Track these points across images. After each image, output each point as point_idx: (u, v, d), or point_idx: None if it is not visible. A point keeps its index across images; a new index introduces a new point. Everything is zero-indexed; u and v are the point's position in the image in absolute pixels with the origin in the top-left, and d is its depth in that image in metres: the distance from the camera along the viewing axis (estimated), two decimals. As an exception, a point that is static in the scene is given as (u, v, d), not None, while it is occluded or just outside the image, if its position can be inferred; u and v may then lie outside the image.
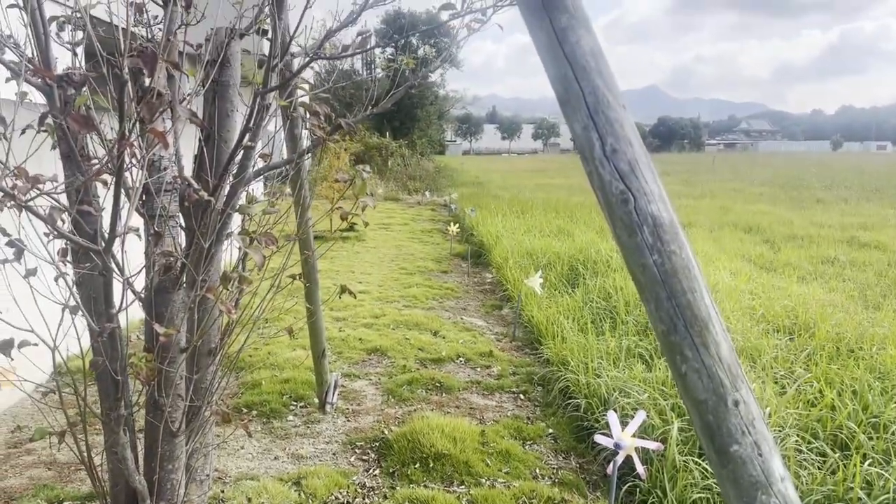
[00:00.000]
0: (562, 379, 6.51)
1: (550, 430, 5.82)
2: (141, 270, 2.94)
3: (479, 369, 7.41)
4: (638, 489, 4.64)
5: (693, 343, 1.26)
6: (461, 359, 7.66)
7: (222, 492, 4.35)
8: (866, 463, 4.34)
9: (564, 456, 5.42)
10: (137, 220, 2.76)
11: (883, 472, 4.22)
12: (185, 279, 2.90)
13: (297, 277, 3.07)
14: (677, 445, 4.61)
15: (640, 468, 4.36)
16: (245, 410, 5.91)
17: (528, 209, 18.82)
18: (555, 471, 5.13)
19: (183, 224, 2.98)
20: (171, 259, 2.88)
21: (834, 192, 30.48)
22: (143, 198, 2.85)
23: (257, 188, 3.18)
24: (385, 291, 10.87)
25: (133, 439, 2.99)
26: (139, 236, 2.58)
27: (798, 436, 4.77)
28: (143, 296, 2.82)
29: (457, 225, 13.81)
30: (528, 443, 5.57)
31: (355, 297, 3.61)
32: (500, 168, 49.67)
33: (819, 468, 4.43)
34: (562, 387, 6.44)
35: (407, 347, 7.89)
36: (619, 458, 4.21)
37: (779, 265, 12.93)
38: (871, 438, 4.75)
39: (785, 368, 6.22)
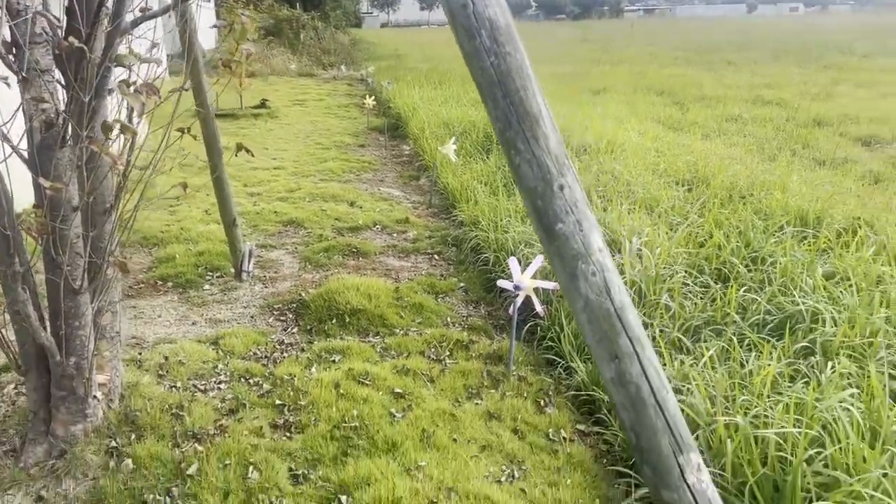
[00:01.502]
0: (473, 238, 6.76)
1: (462, 284, 6.10)
2: (23, 135, 2.87)
3: (395, 235, 7.58)
4: (538, 328, 4.99)
5: (525, 137, 1.38)
6: (378, 226, 7.80)
7: (140, 354, 4.46)
8: (742, 290, 4.77)
9: (475, 306, 5.73)
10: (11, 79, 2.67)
11: (757, 297, 4.66)
12: (69, 136, 2.86)
13: (186, 131, 3.05)
14: (575, 286, 4.93)
15: (538, 307, 4.68)
16: (160, 283, 5.94)
17: (446, 80, 18.57)
18: (465, 318, 5.43)
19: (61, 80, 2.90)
20: (52, 115, 2.82)
21: (745, 55, 31.12)
22: (14, 51, 2.74)
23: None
24: (301, 167, 10.76)
25: (35, 299, 3.02)
26: (8, 84, 2.51)
27: (686, 272, 5.16)
28: (25, 153, 2.78)
29: (373, 98, 13.57)
30: (441, 296, 5.84)
31: (252, 156, 3.61)
32: (418, 40, 48.31)
33: (702, 298, 4.85)
34: (473, 245, 6.70)
35: (323, 218, 7.95)
36: (519, 300, 4.50)
37: (686, 125, 13.37)
38: (749, 270, 5.19)
39: (681, 216, 6.60)
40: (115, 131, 2.61)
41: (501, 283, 4.58)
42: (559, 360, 4.59)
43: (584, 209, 1.37)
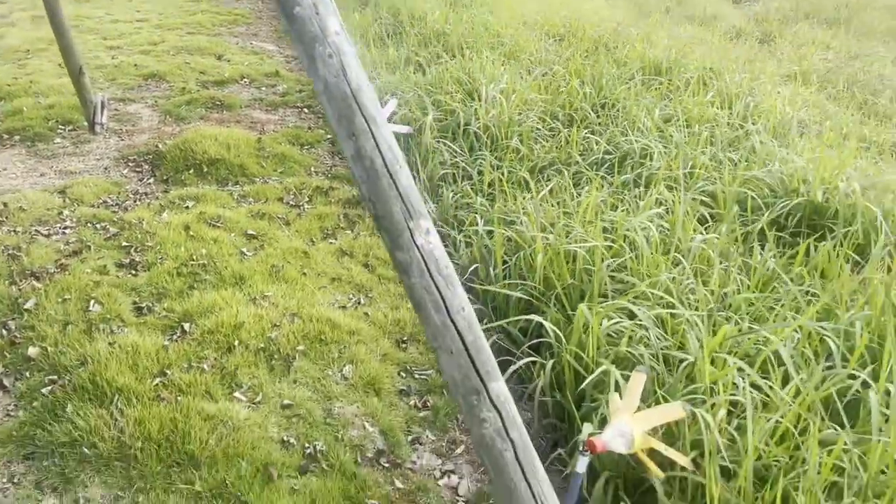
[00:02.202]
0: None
1: (329, 136, 6.10)
2: None
3: (264, 89, 7.39)
4: (398, 173, 5.11)
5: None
6: (245, 80, 7.56)
7: (-21, 204, 4.33)
8: (585, 132, 5.03)
9: (341, 156, 5.78)
10: None
11: (597, 139, 4.92)
12: None
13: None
14: (431, 132, 5.05)
15: (392, 150, 4.78)
16: (5, 136, 5.64)
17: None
18: (329, 168, 5.49)
19: None
20: None
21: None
22: None
23: None
24: (166, 19, 10.12)
25: None
26: None
27: (540, 118, 5.36)
28: None
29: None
30: (307, 147, 5.84)
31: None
32: None
33: (549, 141, 5.07)
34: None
35: (187, 72, 7.62)
36: (373, 142, 4.58)
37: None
38: (598, 115, 5.44)
39: (545, 66, 6.73)
40: None
41: (355, 126, 4.62)
42: (413, 201, 4.77)
43: (321, -4, 1.44)
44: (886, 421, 2.37)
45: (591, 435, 2.11)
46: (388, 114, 4.61)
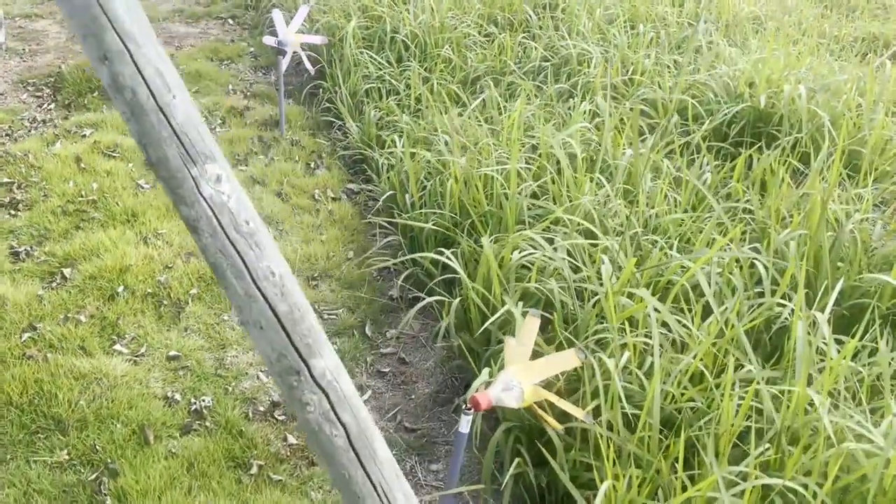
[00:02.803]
0: (267, -2, 6.15)
1: (252, 49, 5.64)
2: None
3: (187, -1, 6.81)
4: (321, 88, 4.72)
5: None
6: (167, -11, 6.96)
7: None
8: (522, 36, 4.63)
9: (264, 72, 5.34)
10: None
11: (534, 44, 4.53)
12: None
13: None
14: (355, 41, 4.63)
15: (307, 65, 4.38)
16: None
17: None
18: (249, 85, 5.07)
19: None
20: None
21: None
22: None
23: None
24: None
25: None
26: None
27: (475, 22, 4.93)
28: None
29: None
30: (226, 63, 5.39)
31: None
32: None
33: (484, 48, 4.67)
34: (266, 6, 6.12)
35: (103, -19, 6.98)
36: (286, 58, 4.18)
37: None
38: (539, 18, 5.01)
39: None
40: None
41: (266, 39, 4.20)
42: (337, 121, 4.40)
43: None
44: (819, 354, 2.17)
45: (476, 390, 1.89)
46: (299, 22, 4.18)
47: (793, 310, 2.30)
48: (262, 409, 2.54)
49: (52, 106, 4.61)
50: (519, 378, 1.86)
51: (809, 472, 1.81)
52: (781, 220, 2.96)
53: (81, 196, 3.45)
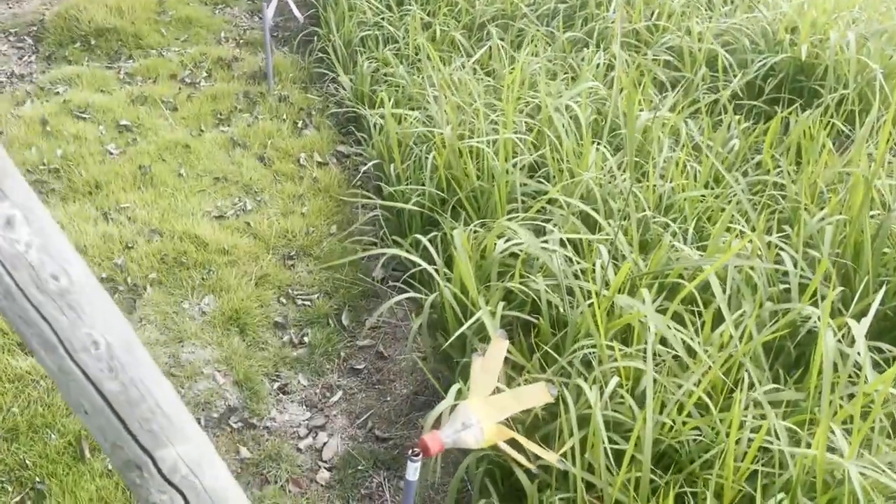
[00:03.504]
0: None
1: (250, -9, 5.24)
2: None
3: (187, -65, 6.38)
4: (317, 36, 4.33)
5: None
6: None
7: None
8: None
9: (259, 16, 4.95)
10: None
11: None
12: None
13: None
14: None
15: (295, 11, 3.99)
16: None
17: None
18: (243, 32, 4.70)
19: None
20: None
21: None
22: None
23: None
24: None
25: None
26: None
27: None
28: None
29: None
30: (220, 7, 5.01)
31: None
32: None
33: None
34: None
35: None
36: (272, 7, 3.79)
37: None
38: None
39: None
40: None
41: (250, -16, 3.81)
42: (330, 73, 4.02)
43: None
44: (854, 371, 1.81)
45: (426, 433, 1.58)
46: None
47: (819, 318, 1.92)
48: (215, 415, 2.28)
49: (33, 58, 4.32)
50: (479, 414, 1.55)
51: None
52: (819, 196, 2.54)
53: (43, 164, 3.18)
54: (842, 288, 2.15)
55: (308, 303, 2.73)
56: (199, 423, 2.20)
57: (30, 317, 0.92)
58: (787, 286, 2.15)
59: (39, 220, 0.93)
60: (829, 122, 2.86)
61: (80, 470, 2.04)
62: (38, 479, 2.01)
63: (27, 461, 2.05)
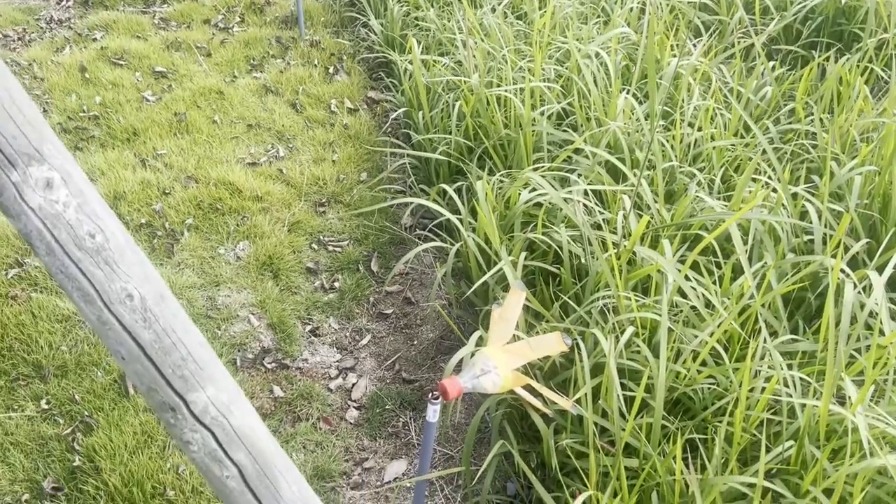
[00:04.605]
0: None
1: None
2: None
3: None
4: (347, -20, 4.31)
5: None
6: None
7: None
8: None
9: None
10: None
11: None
12: None
13: None
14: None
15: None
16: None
17: None
18: (275, -25, 4.68)
19: None
20: None
21: None
22: None
23: None
24: None
25: None
26: None
27: None
28: None
29: None
30: (253, -51, 4.98)
31: None
32: None
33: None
34: None
35: None
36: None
37: None
38: None
39: None
40: None
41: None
42: (361, 17, 4.01)
43: None
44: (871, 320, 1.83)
45: (445, 377, 1.65)
46: None
47: (842, 269, 1.93)
48: (250, 356, 2.40)
49: (71, 3, 4.38)
50: (497, 361, 1.62)
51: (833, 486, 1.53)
52: (852, 145, 2.50)
53: (83, 111, 3.27)
54: (867, 240, 2.14)
55: (339, 249, 2.81)
56: (235, 363, 2.33)
57: (70, 272, 0.99)
58: (811, 237, 2.15)
59: (76, 182, 1.00)
60: (867, 67, 2.79)
61: (124, 405, 2.18)
62: (86, 412, 2.15)
63: (76, 396, 2.19)
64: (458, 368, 1.84)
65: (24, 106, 0.97)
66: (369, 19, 3.84)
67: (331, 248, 2.83)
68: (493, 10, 3.44)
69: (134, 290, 1.02)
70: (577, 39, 2.94)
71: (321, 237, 2.86)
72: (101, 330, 1.03)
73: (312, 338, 2.50)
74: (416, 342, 2.51)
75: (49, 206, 0.96)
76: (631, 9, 3.11)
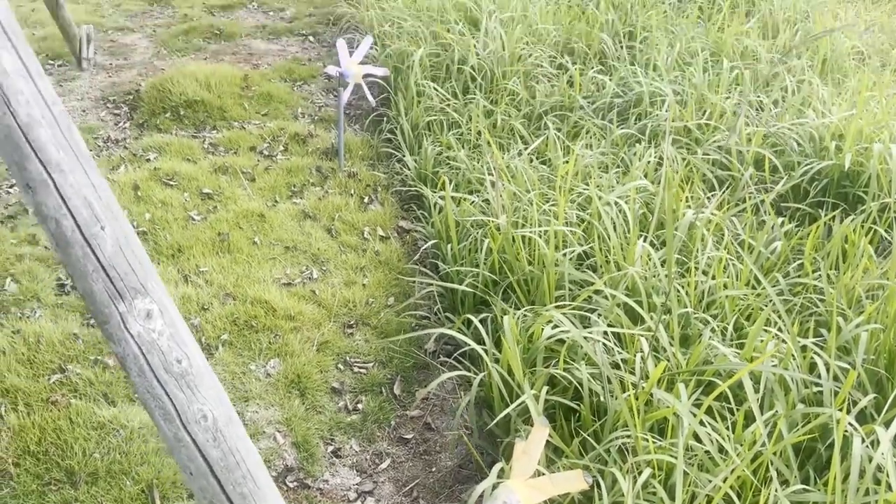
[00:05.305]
0: (347, 16, 6.15)
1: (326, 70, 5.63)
2: None
3: (272, 14, 6.91)
4: (385, 118, 4.65)
5: None
6: (254, 3, 7.09)
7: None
8: (593, 71, 4.39)
9: (335, 95, 5.32)
10: None
11: (607, 79, 4.30)
12: None
13: None
14: (422, 70, 4.52)
15: (369, 97, 4.31)
16: (-11, 76, 5.41)
17: None
18: (318, 109, 5.06)
19: None
20: None
21: None
22: None
23: None
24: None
25: None
26: None
27: (549, 53, 4.73)
28: None
29: None
30: (300, 84, 5.41)
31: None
32: None
33: (550, 82, 4.47)
34: (346, 25, 6.12)
35: (195, -6, 7.19)
36: (347, 91, 4.11)
37: None
38: (620, 48, 4.76)
39: None
40: None
41: (328, 69, 4.16)
42: (397, 153, 4.31)
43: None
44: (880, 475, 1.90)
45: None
46: (363, 54, 4.11)
47: (850, 423, 2.02)
48: (273, 473, 2.46)
49: (128, 125, 4.74)
50: (520, 495, 1.70)
51: None
52: (857, 301, 2.64)
53: (133, 227, 3.49)
54: (874, 395, 2.23)
55: (364, 371, 2.93)
56: (259, 479, 2.39)
57: (156, 392, 1.13)
58: (820, 388, 2.25)
59: (170, 313, 1.15)
60: (870, 228, 2.97)
61: (150, 516, 2.24)
62: (113, 521, 2.21)
63: (104, 504, 2.26)
64: (479, 500, 1.92)
65: (135, 247, 1.14)
66: (404, 155, 4.13)
67: (356, 369, 2.94)
68: (520, 153, 3.72)
69: (209, 412, 1.15)
70: (598, 187, 3.16)
71: (347, 357, 2.98)
72: (175, 447, 1.15)
73: (334, 458, 2.57)
74: (434, 469, 2.57)
75: (147, 334, 1.11)
76: (648, 161, 3.35)
